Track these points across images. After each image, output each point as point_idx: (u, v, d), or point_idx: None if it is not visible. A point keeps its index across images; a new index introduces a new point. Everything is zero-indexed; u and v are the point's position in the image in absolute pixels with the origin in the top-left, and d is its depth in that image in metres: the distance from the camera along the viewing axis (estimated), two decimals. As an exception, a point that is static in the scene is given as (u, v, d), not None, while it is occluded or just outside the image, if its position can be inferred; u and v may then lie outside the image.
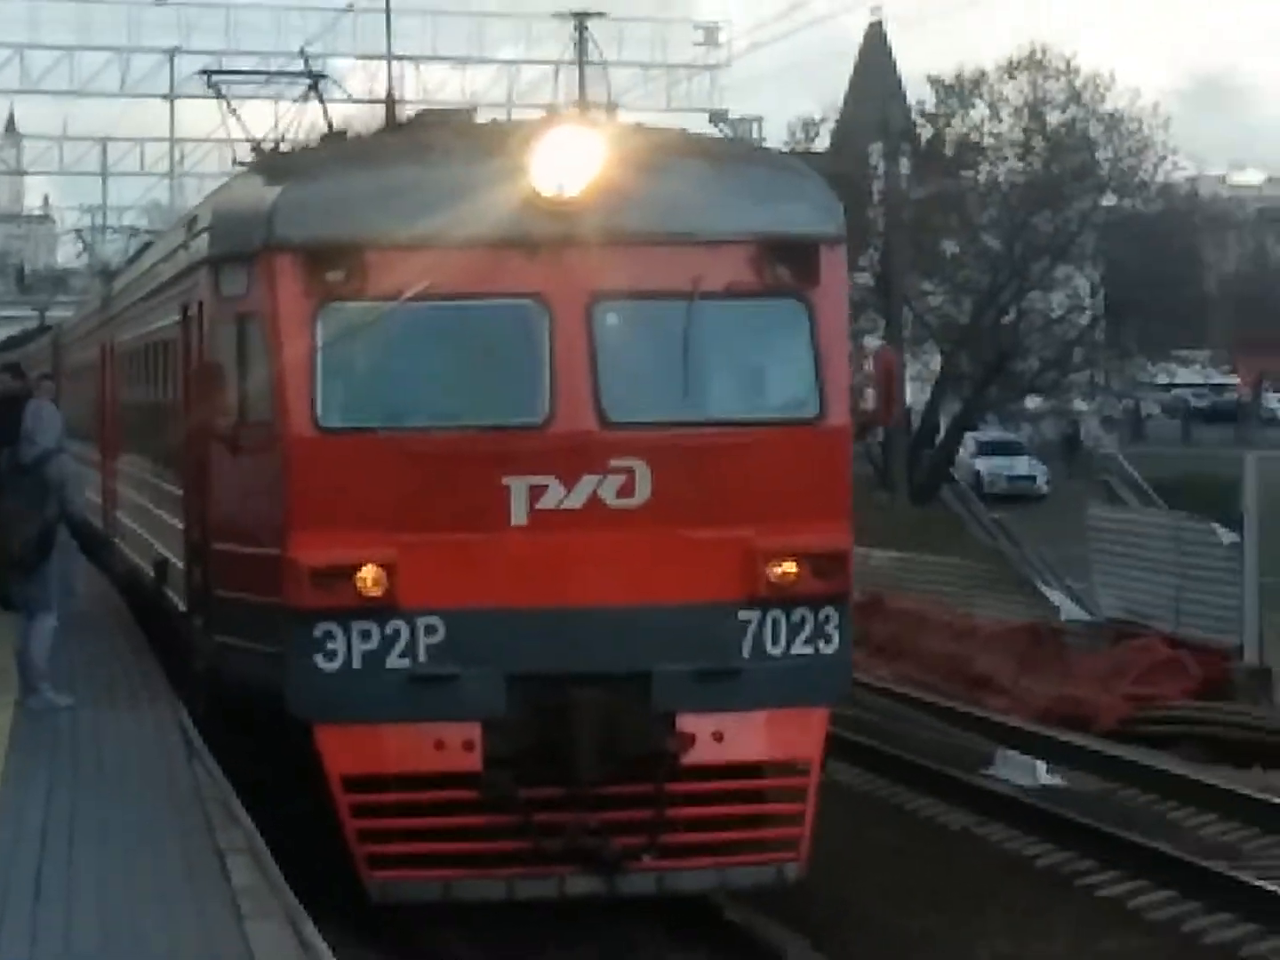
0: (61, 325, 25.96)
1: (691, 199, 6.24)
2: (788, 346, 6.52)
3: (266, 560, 6.12)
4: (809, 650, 6.19)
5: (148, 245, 15.52)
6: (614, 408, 5.94)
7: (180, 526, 8.31)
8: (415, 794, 5.74)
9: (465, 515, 5.85)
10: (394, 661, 5.78)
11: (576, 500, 5.76)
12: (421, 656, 5.80)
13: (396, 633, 5.75)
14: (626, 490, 5.83)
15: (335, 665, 5.73)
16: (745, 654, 6.07)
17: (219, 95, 10.96)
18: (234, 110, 10.75)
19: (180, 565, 8.49)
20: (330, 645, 5.73)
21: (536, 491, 5.76)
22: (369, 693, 5.80)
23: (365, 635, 5.74)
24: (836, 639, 6.28)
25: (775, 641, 6.12)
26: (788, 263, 6.23)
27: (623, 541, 5.88)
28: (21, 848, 4.83)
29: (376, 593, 5.66)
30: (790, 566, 5.98)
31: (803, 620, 6.15)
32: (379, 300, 5.74)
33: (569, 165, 5.88)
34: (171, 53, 41.61)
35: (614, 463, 5.83)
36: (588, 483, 5.78)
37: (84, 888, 4.26)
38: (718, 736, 5.93)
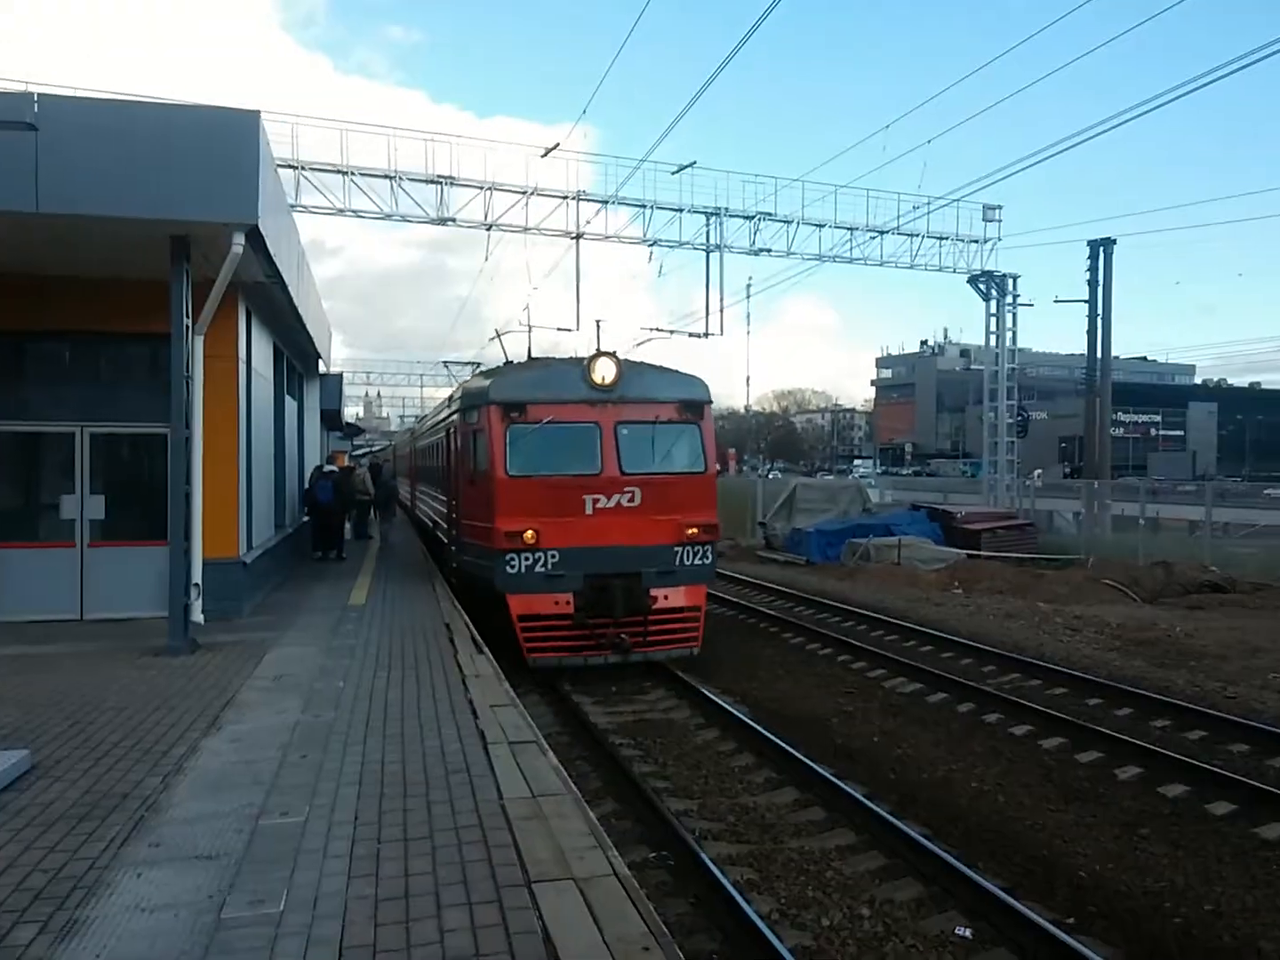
0: (393, 441, 61.37)
1: (653, 383, 15.20)
2: (692, 443, 15.17)
3: (485, 529, 14.43)
4: (700, 562, 14.80)
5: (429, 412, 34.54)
6: (627, 466, 14.54)
7: (446, 512, 18.85)
8: (547, 623, 13.99)
9: (567, 509, 14.16)
10: (538, 569, 14.00)
11: (612, 504, 14.32)
12: (550, 567, 14.03)
13: (539, 558, 14.00)
14: (632, 499, 14.40)
15: (515, 570, 13.95)
16: (677, 564, 14.58)
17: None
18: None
19: (446, 527, 18.81)
20: (512, 561, 13.94)
21: (595, 500, 14.27)
22: (529, 581, 13.95)
23: (528, 558, 13.95)
24: (708, 555, 14.92)
25: (689, 559, 14.65)
26: (690, 410, 15.17)
27: (631, 520, 14.36)
28: (365, 627, 13.56)
29: (532, 541, 13.94)
30: (695, 530, 14.64)
31: (697, 549, 14.69)
32: (531, 423, 14.30)
33: (605, 369, 14.72)
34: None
35: (627, 489, 14.39)
36: (617, 497, 14.33)
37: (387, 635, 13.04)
38: (666, 598, 14.45)
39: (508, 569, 13.77)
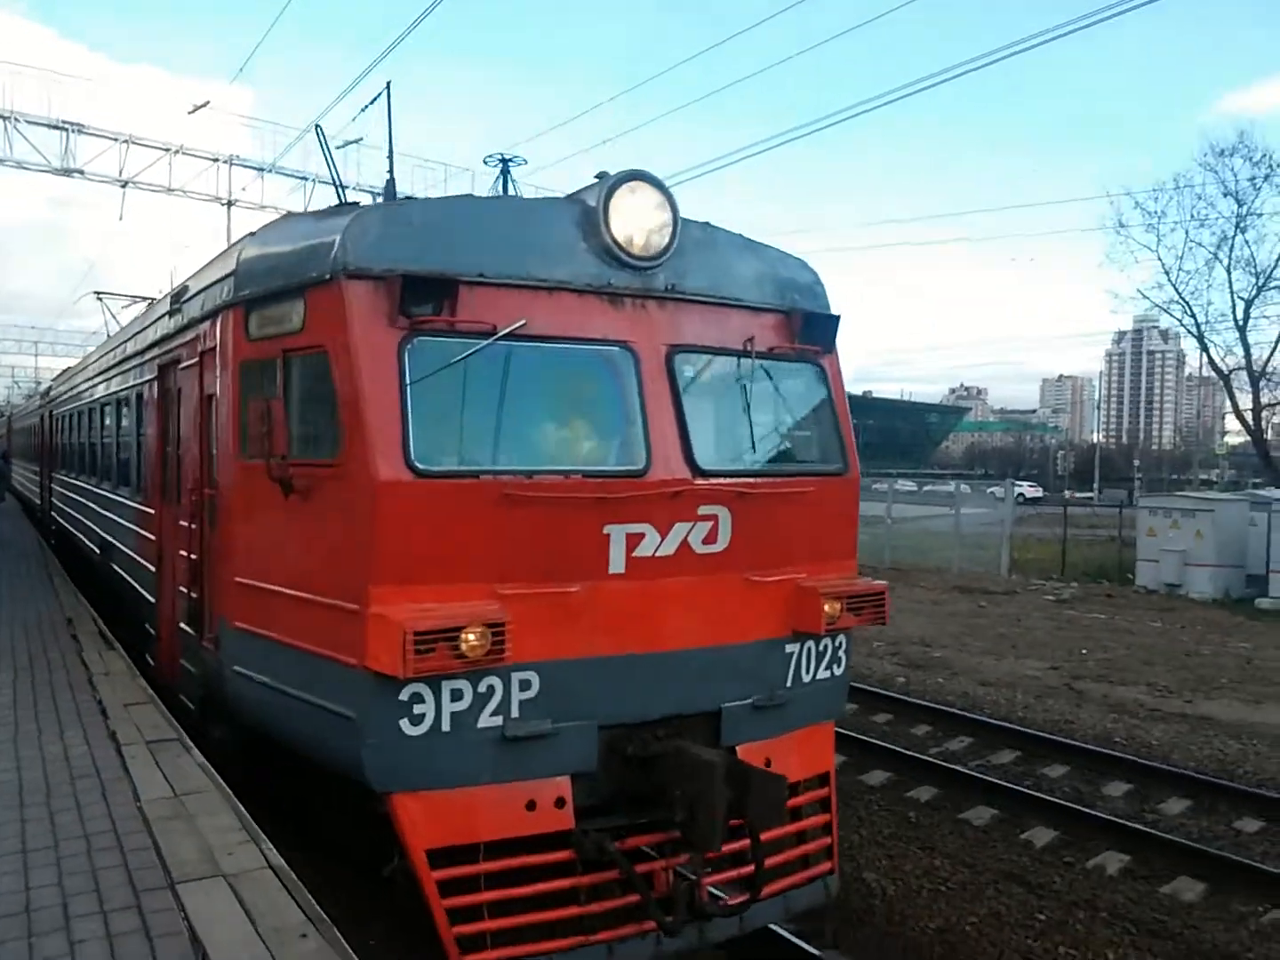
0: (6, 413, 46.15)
1: (735, 262, 7.04)
2: (817, 405, 7.39)
3: (330, 615, 5.91)
4: (828, 674, 7.16)
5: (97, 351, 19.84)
6: (704, 456, 6.41)
7: (162, 553, 9.83)
8: (504, 865, 5.69)
9: (562, 564, 5.92)
10: (485, 720, 5.76)
11: (669, 547, 6.14)
12: (514, 713, 5.83)
13: (490, 690, 5.75)
14: (711, 537, 6.30)
15: (421, 729, 5.63)
16: (788, 683, 6.87)
17: None
18: None
19: (162, 587, 9.78)
20: (418, 709, 5.62)
21: (634, 539, 6.04)
22: (458, 757, 5.69)
23: (457, 695, 5.68)
24: (844, 661, 7.30)
25: (808, 669, 6.99)
26: (817, 334, 7.15)
27: (705, 586, 6.33)
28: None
29: (478, 654, 5.47)
30: (837, 606, 6.74)
31: (826, 648, 7.11)
32: (470, 333, 6.01)
33: (646, 218, 6.49)
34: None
35: (705, 508, 6.28)
36: (679, 530, 6.17)
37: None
38: (768, 763, 6.51)
39: (400, 726, 5.73)
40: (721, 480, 6.46)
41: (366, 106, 9.16)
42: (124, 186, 27.60)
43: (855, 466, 7.40)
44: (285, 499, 6.31)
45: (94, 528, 15.40)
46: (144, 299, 24.95)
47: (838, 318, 7.39)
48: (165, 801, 6.31)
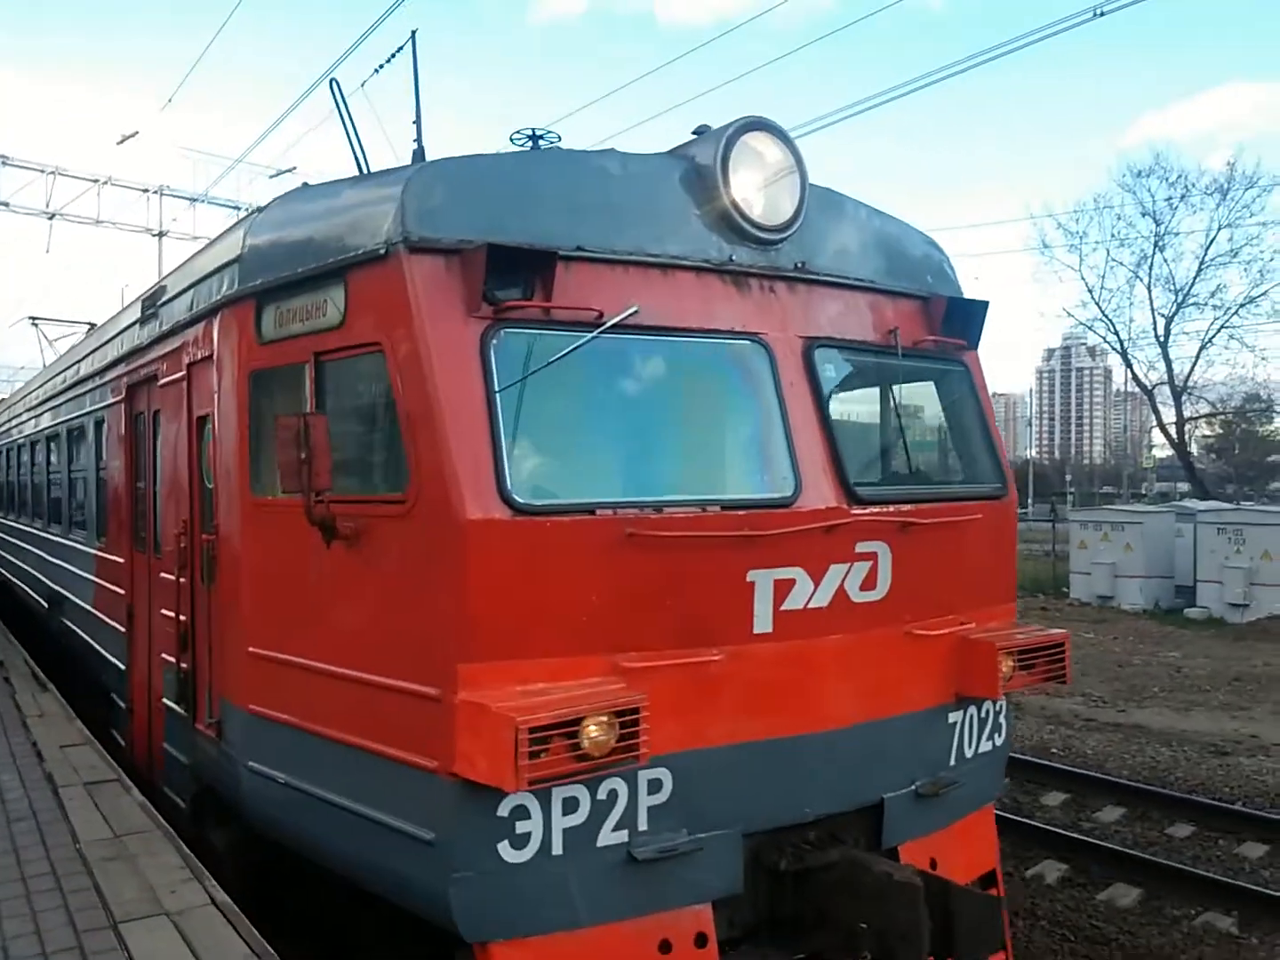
0: None
1: (866, 236, 5.85)
2: (966, 413, 6.09)
3: (396, 695, 4.58)
4: (989, 746, 5.85)
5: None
6: (859, 477, 5.24)
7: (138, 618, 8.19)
8: None
9: (700, 624, 4.66)
10: (607, 837, 4.51)
11: (824, 596, 4.89)
12: (642, 824, 4.56)
13: (612, 796, 4.46)
14: (870, 581, 5.07)
15: (527, 854, 4.38)
16: (951, 761, 5.62)
17: None
18: None
19: (139, 662, 8.11)
20: (522, 827, 4.37)
21: (782, 588, 4.77)
22: (573, 887, 4.44)
23: (571, 806, 4.44)
24: (1005, 728, 6.03)
25: (970, 742, 5.72)
26: (959, 324, 5.89)
27: (864, 644, 5.08)
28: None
29: (603, 752, 4.16)
30: (1010, 662, 5.44)
31: (988, 715, 5.82)
32: (562, 325, 4.74)
33: (777, 180, 5.26)
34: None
35: (864, 545, 5.04)
36: (835, 574, 4.93)
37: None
38: (933, 865, 5.38)
39: (499, 852, 4.39)
40: (882, 509, 5.21)
41: (392, 57, 7.38)
42: (51, 219, 27.42)
43: (1013, 487, 6.19)
44: (327, 548, 4.79)
45: (40, 577, 13.59)
46: (84, 324, 23.25)
47: (986, 304, 6.13)
48: (105, 843, 6.17)
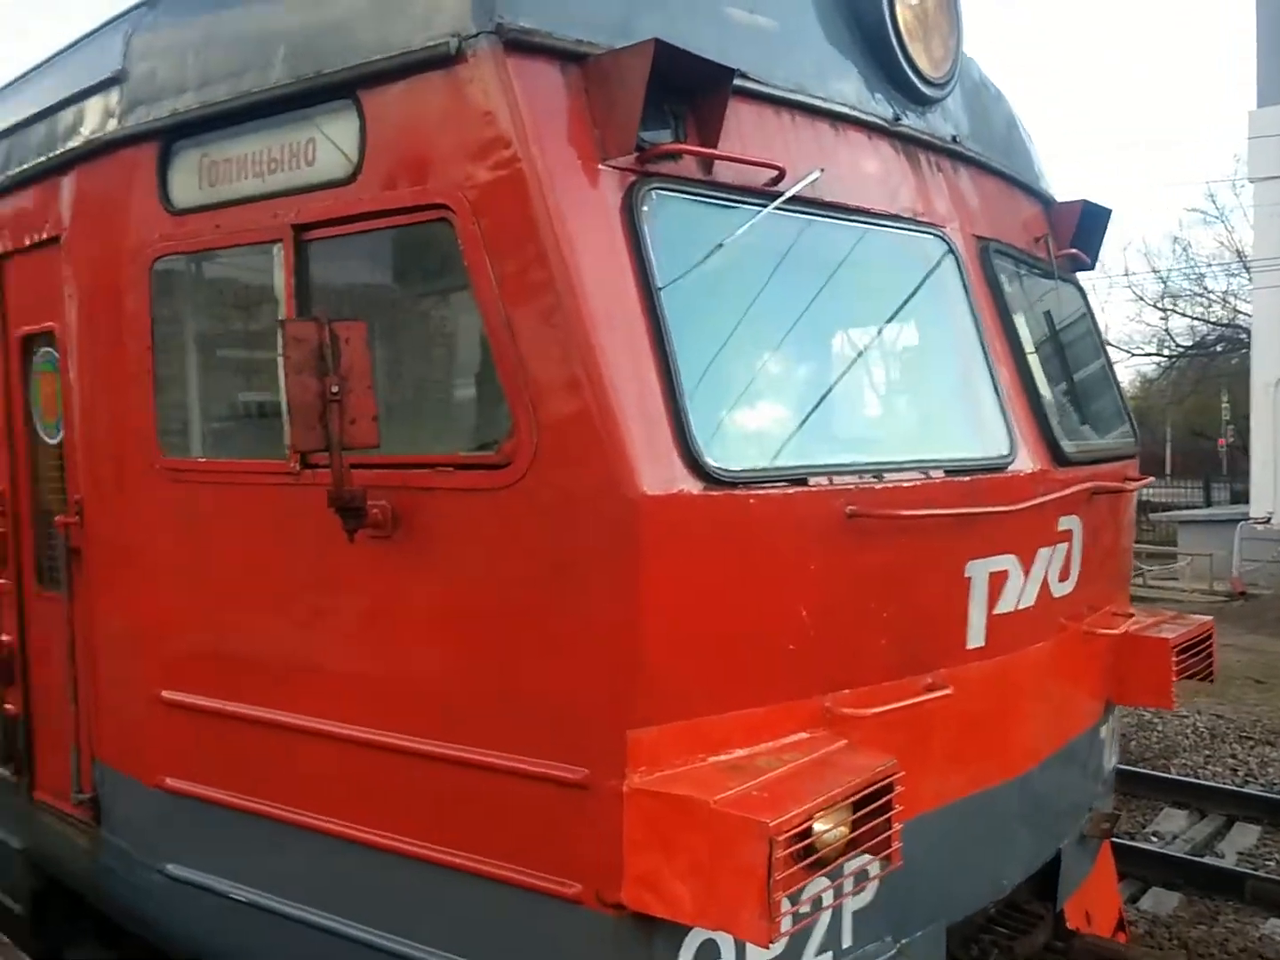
0: None
1: (1004, 126, 4.47)
2: (1089, 348, 4.80)
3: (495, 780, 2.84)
4: (1111, 764, 4.73)
5: None
6: (1063, 435, 3.80)
7: None
8: None
9: (915, 640, 3.23)
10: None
11: (1031, 592, 3.58)
12: (845, 940, 3.14)
13: (815, 906, 2.86)
14: (1065, 570, 3.77)
15: None
16: (1099, 789, 4.50)
17: None
18: None
19: None
20: None
21: (995, 584, 3.41)
22: None
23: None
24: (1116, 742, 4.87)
25: (1109, 761, 4.67)
26: (1086, 236, 4.63)
27: (1061, 653, 3.84)
28: None
29: (837, 850, 2.67)
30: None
31: (1114, 726, 4.71)
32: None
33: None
34: None
35: (1061, 524, 3.71)
36: (1041, 561, 3.60)
37: None
38: (1088, 919, 4.35)
39: None
40: (1079, 472, 3.82)
41: None
42: None
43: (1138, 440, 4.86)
44: (349, 541, 2.93)
45: None
46: None
47: (1109, 212, 4.76)
48: None
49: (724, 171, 3.04)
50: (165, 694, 3.60)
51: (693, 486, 2.68)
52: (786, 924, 2.56)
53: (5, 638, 4.48)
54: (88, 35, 4.09)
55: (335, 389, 2.68)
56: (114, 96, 3.63)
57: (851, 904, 3.13)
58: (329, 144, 3.10)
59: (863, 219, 3.42)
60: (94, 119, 3.73)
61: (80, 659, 3.99)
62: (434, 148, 2.88)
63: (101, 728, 3.93)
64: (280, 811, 3.31)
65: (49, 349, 4.13)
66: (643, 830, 2.62)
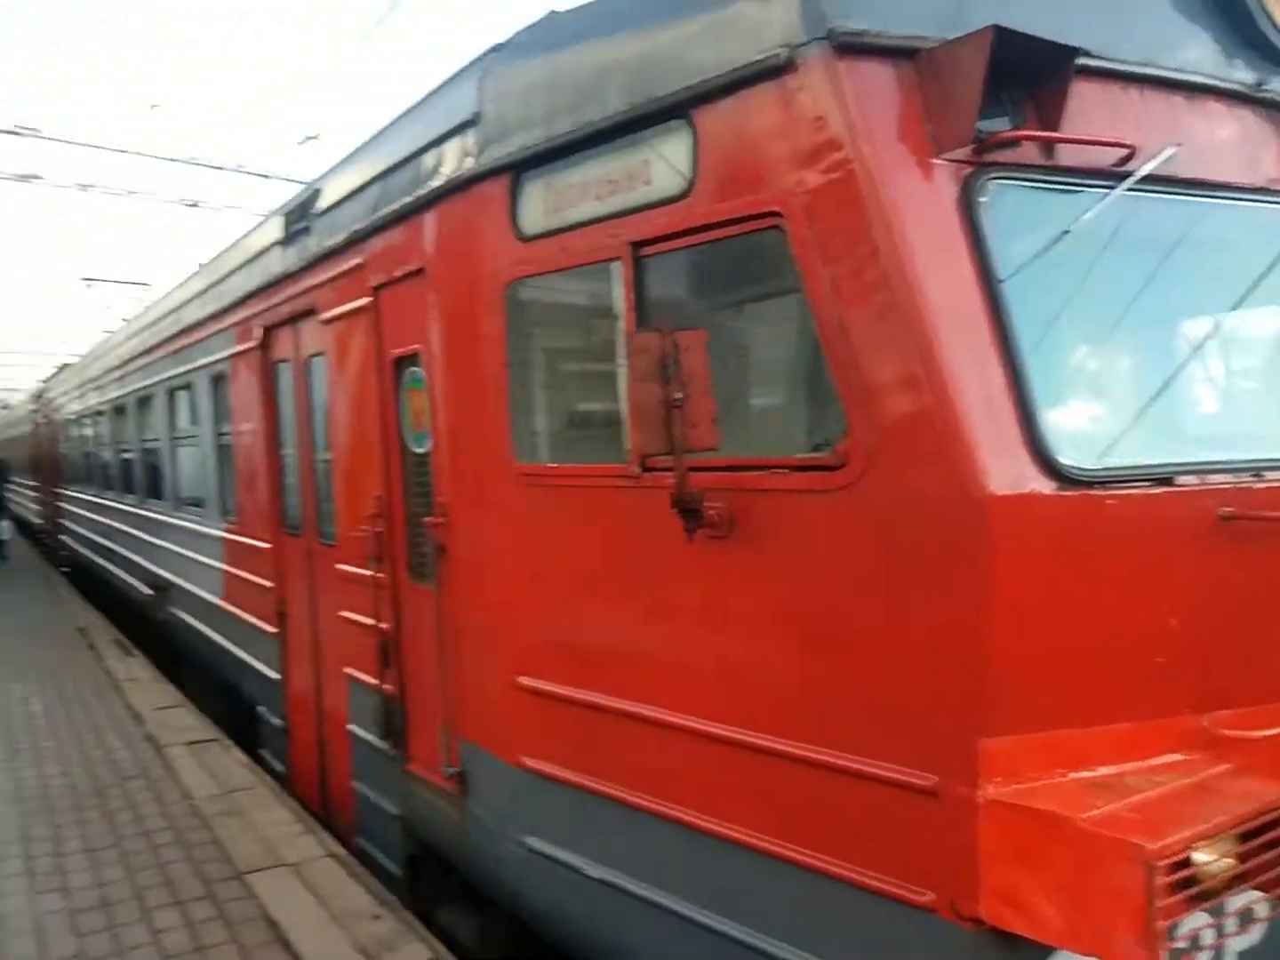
0: None
1: None
2: None
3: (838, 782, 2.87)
4: None
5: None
6: None
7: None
8: None
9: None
10: None
11: None
12: None
13: (1193, 943, 2.64)
14: None
15: None
16: None
17: None
18: None
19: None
20: None
21: None
22: None
23: None
24: None
25: None
26: None
27: None
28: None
29: (1221, 883, 2.45)
30: None
31: None
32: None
33: None
34: None
35: None
36: None
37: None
38: None
39: None
40: None
41: None
42: (84, 190, 26.51)
43: None
44: (687, 541, 3.08)
45: (140, 561, 11.81)
46: (139, 283, 22.00)
47: None
48: (217, 798, 6.29)
49: (1067, 155, 2.92)
50: (521, 680, 3.93)
51: (1044, 486, 2.58)
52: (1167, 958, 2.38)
53: (384, 625, 5.07)
54: (442, 86, 4.55)
55: (677, 395, 2.82)
56: (470, 138, 4.01)
57: (1235, 945, 2.86)
58: (663, 163, 3.25)
59: (1224, 194, 3.20)
60: (452, 160, 4.14)
61: (447, 646, 4.44)
62: (764, 157, 2.95)
63: (466, 708, 4.35)
64: (625, 795, 3.52)
65: (416, 368, 4.63)
66: (1001, 843, 2.54)
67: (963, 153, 2.78)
